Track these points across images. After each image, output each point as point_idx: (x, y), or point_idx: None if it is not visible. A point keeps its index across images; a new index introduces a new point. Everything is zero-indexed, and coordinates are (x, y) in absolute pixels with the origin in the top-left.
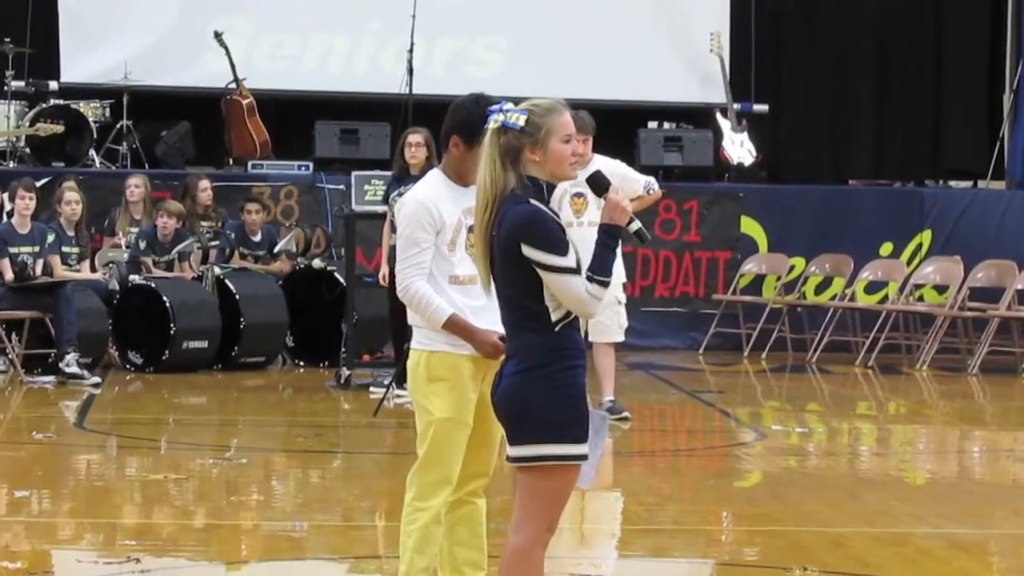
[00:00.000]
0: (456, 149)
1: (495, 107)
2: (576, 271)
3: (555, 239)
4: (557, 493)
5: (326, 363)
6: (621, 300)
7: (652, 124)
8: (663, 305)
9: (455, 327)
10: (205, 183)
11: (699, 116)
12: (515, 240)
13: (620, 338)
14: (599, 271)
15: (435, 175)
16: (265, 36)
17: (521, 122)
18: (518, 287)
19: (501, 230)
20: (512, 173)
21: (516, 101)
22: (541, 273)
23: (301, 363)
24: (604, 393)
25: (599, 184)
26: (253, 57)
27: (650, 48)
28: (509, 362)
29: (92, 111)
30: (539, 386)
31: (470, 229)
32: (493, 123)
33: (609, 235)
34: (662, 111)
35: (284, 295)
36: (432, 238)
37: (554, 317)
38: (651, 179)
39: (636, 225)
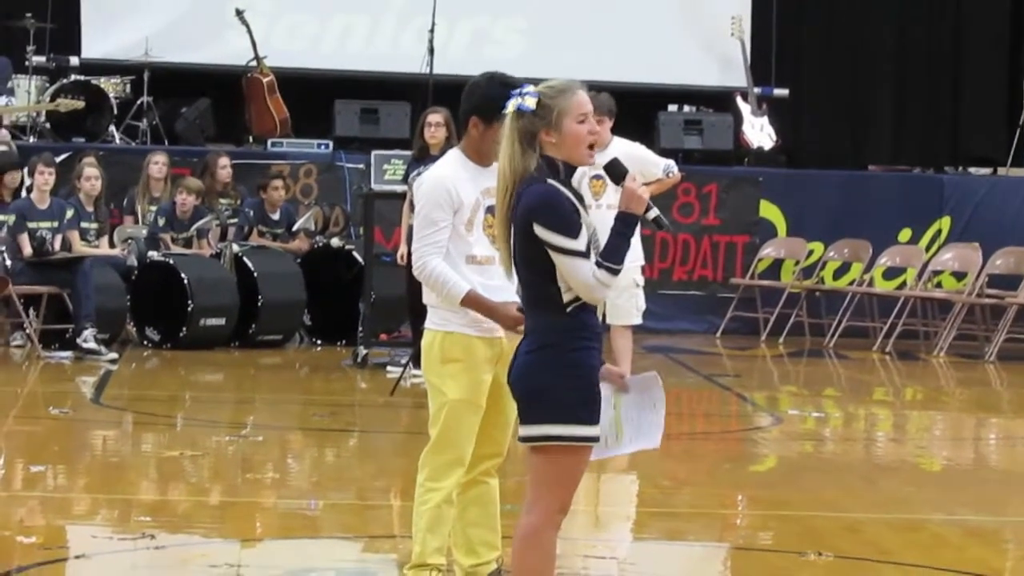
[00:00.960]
0: (475, 129)
1: (516, 91)
2: (585, 255)
3: (567, 221)
4: (565, 474)
5: (343, 342)
6: (639, 283)
7: (672, 107)
8: (681, 288)
9: (473, 303)
10: (225, 160)
11: (719, 100)
12: (529, 220)
13: (638, 321)
14: (610, 258)
15: (454, 155)
16: (286, 14)
17: (532, 105)
18: (534, 268)
19: (518, 210)
20: (531, 156)
21: (536, 82)
22: (551, 254)
23: (318, 342)
24: None
25: (617, 172)
26: (274, 35)
27: (671, 31)
28: (524, 341)
29: (112, 87)
30: (548, 366)
31: (488, 209)
32: (510, 107)
33: (625, 223)
34: (682, 94)
35: (302, 273)
36: (449, 217)
37: (566, 299)
38: (670, 162)
39: (654, 212)
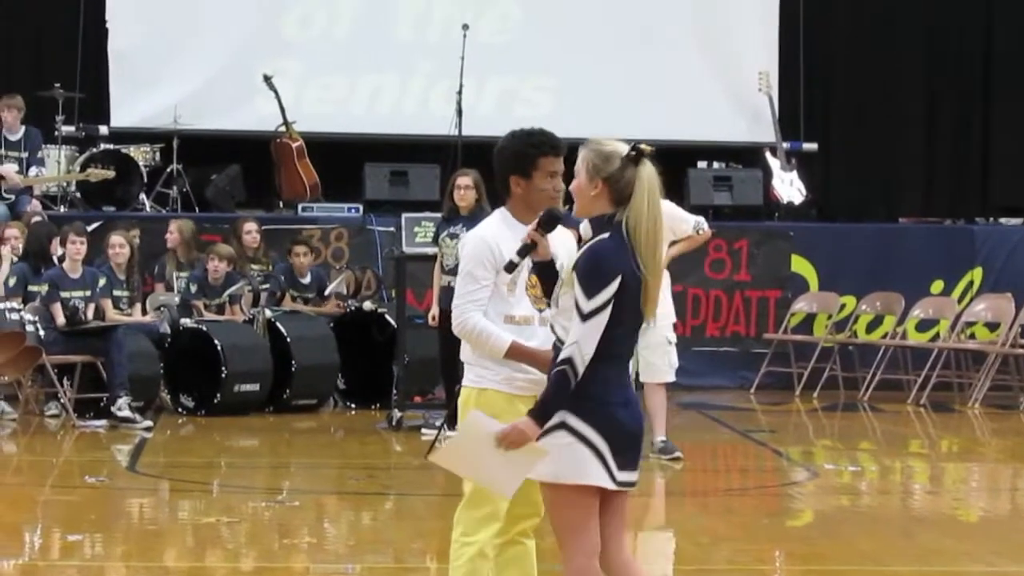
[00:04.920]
0: (519, 188)
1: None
2: None
3: None
4: None
5: (377, 405)
6: (672, 340)
7: (702, 164)
8: (714, 345)
9: (517, 354)
10: (250, 225)
11: (748, 155)
12: None
13: (671, 378)
14: None
15: (501, 214)
16: (314, 79)
17: None
18: None
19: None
20: None
21: (574, 142)
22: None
23: (352, 405)
24: (656, 433)
25: (552, 220)
26: (302, 100)
27: (699, 88)
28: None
29: (142, 155)
30: None
31: (531, 269)
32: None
33: None
34: (712, 150)
35: (335, 337)
36: (491, 276)
37: None
38: (700, 219)
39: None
